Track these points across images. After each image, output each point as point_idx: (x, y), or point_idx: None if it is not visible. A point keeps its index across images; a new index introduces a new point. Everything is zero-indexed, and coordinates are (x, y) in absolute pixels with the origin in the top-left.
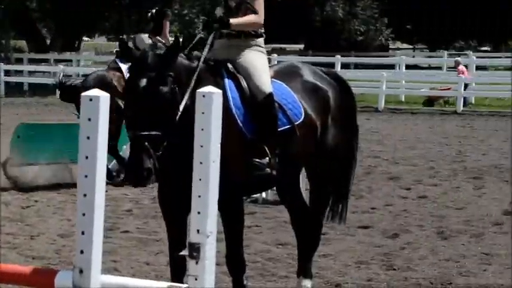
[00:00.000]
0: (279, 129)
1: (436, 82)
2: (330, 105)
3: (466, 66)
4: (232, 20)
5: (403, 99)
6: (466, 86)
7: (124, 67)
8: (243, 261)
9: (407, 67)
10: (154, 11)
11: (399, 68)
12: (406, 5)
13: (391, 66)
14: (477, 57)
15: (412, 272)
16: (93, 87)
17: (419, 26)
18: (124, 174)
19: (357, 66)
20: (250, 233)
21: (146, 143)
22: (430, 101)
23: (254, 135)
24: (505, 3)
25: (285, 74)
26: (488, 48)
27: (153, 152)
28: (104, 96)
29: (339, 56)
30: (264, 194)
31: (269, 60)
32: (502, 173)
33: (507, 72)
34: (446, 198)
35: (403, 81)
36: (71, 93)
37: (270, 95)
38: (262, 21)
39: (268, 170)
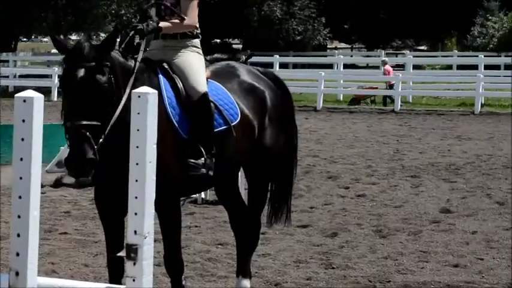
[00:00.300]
0: (215, 130)
1: (373, 81)
2: (267, 105)
3: (402, 65)
4: (163, 24)
5: (341, 99)
6: (391, 86)
7: None
8: (181, 261)
9: (345, 66)
10: None
11: (337, 68)
12: (343, 5)
13: (329, 66)
14: (414, 57)
15: (351, 270)
16: None
17: (357, 26)
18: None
19: (295, 65)
20: (190, 233)
21: (87, 133)
22: (355, 100)
23: (189, 135)
24: (442, 3)
25: (222, 74)
26: (425, 48)
27: (94, 143)
28: (38, 97)
29: (277, 56)
30: (203, 194)
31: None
32: (439, 171)
33: (444, 71)
34: (385, 196)
35: (341, 81)
36: None
37: (205, 95)
38: (195, 23)
39: (204, 170)
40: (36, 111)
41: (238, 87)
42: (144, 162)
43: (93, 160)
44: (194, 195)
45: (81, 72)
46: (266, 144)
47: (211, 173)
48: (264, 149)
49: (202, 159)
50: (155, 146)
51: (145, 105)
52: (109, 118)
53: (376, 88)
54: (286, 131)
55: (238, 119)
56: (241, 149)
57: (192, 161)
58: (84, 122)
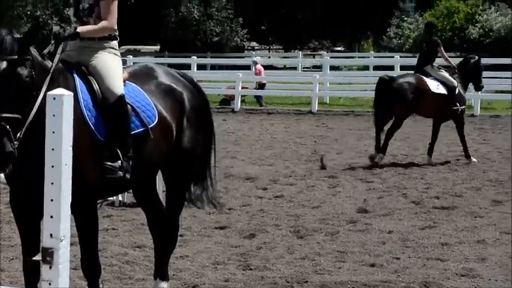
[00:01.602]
0: (132, 132)
1: (292, 82)
2: (185, 107)
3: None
4: (80, 29)
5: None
6: (262, 86)
7: None
8: (98, 264)
9: (263, 67)
10: None
11: (254, 69)
12: (261, 6)
13: (247, 67)
14: (331, 57)
15: (269, 271)
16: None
17: (274, 27)
18: None
19: (213, 67)
20: (107, 236)
21: (7, 126)
22: (226, 100)
23: (106, 138)
24: (358, 4)
25: (139, 76)
26: (342, 48)
27: (13, 136)
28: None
29: (195, 57)
30: (120, 197)
31: (124, 62)
32: (356, 172)
33: (360, 72)
34: (302, 197)
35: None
36: None
37: (122, 97)
38: (114, 26)
39: (120, 173)
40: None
41: (156, 88)
42: (59, 164)
43: (12, 154)
44: (112, 198)
45: (3, 65)
46: (184, 146)
47: (128, 175)
48: (182, 151)
49: (119, 161)
50: (71, 148)
51: (61, 108)
52: (28, 112)
53: (247, 88)
54: (204, 133)
55: (156, 121)
56: (159, 151)
57: (109, 163)
58: (4, 115)
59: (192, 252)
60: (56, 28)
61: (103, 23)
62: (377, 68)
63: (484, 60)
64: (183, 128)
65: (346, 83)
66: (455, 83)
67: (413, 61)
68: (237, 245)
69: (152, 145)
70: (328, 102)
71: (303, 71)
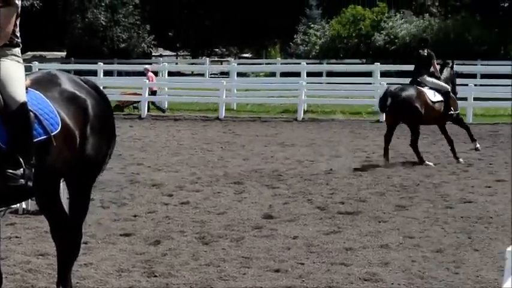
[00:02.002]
0: (34, 140)
1: (199, 88)
2: (89, 114)
3: (227, 73)
4: None
5: (166, 106)
6: (154, 93)
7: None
8: (0, 273)
9: (170, 74)
10: None
11: (162, 75)
12: (168, 12)
13: (154, 73)
14: (238, 64)
15: (174, 278)
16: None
17: (182, 33)
18: None
19: (120, 73)
20: (10, 244)
21: None
22: (119, 107)
23: (7, 145)
24: (265, 11)
25: (42, 83)
26: (250, 55)
27: None
28: None
29: (101, 63)
30: (24, 204)
31: (29, 69)
32: (262, 178)
33: (267, 78)
34: (208, 203)
35: (166, 88)
36: None
37: (24, 104)
38: (8, 35)
39: (22, 181)
40: None
41: (60, 96)
42: None
43: None
44: (15, 206)
45: None
46: (88, 154)
47: (30, 183)
48: (85, 159)
49: (21, 169)
50: None
51: None
52: None
53: (139, 94)
54: (107, 140)
55: (59, 128)
56: (62, 159)
57: (11, 171)
58: None
59: (96, 259)
60: None
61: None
62: (284, 74)
63: (389, 67)
64: (86, 135)
65: (253, 89)
66: (448, 87)
67: (320, 68)
68: (141, 252)
69: (55, 153)
70: (235, 108)
71: (211, 77)
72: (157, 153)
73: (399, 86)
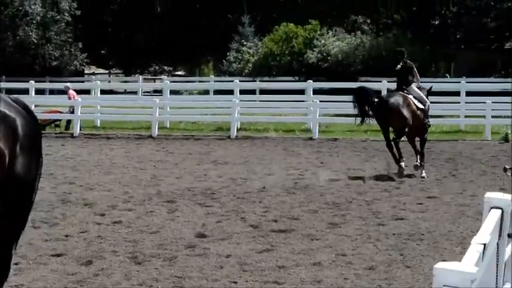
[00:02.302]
0: None
1: (132, 107)
2: (19, 133)
3: (160, 91)
4: None
5: (98, 125)
6: (73, 111)
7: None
8: None
9: (103, 92)
10: None
11: (94, 93)
12: (100, 30)
13: (87, 91)
14: (171, 82)
15: None
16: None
17: (115, 51)
18: None
19: (52, 91)
20: None
21: None
22: (40, 125)
23: None
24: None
25: None
26: (183, 73)
27: None
28: None
29: (33, 82)
30: None
31: None
32: (195, 196)
33: (201, 96)
34: (141, 222)
35: (99, 107)
36: None
37: None
38: None
39: None
40: None
41: None
42: None
43: None
44: None
45: None
46: (17, 173)
47: None
48: (15, 178)
49: None
50: None
51: None
52: None
53: (61, 112)
54: (36, 159)
55: None
56: None
57: None
58: None
59: (27, 280)
60: None
61: None
62: (217, 92)
63: (322, 84)
64: (16, 154)
65: (186, 107)
66: (428, 101)
67: (253, 85)
68: (73, 272)
69: None
70: (168, 126)
71: (144, 95)
72: (90, 172)
73: (386, 93)
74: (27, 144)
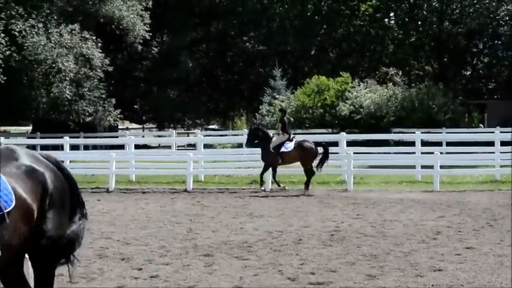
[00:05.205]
0: None
1: (167, 161)
2: (48, 188)
3: (194, 145)
4: None
5: (133, 179)
6: None
7: None
8: None
9: (137, 147)
10: None
11: (128, 148)
12: (132, 85)
13: (121, 146)
14: (205, 136)
15: None
16: None
17: (147, 106)
18: None
19: (86, 147)
20: None
21: None
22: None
23: None
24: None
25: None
26: (216, 126)
27: None
28: None
29: (67, 137)
30: None
31: None
32: (231, 249)
33: (234, 149)
34: (178, 276)
35: (133, 161)
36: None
37: None
38: None
39: None
40: None
41: (17, 170)
42: None
43: None
44: None
45: None
46: (47, 229)
47: None
48: (45, 234)
49: None
50: None
51: None
52: None
53: None
54: (72, 214)
55: (13, 205)
56: (18, 234)
57: None
58: None
59: None
60: None
61: None
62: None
63: (355, 136)
64: (45, 209)
65: (220, 160)
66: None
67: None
68: None
69: (11, 229)
70: (203, 180)
71: (178, 149)
72: (126, 227)
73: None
74: (58, 199)
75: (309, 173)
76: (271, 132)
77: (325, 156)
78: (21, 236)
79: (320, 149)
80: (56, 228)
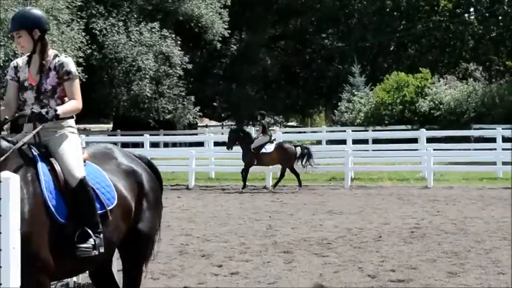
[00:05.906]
0: None
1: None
2: (145, 188)
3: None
4: (60, 111)
5: (213, 176)
6: None
7: None
8: None
9: (216, 144)
10: None
11: (208, 145)
12: (211, 83)
13: (200, 144)
14: (284, 133)
15: None
16: None
17: (226, 104)
18: None
19: (166, 144)
20: None
21: None
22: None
23: (67, 219)
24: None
25: (99, 156)
26: (295, 123)
27: None
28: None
29: (147, 135)
30: (75, 278)
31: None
32: (311, 246)
33: (313, 146)
34: (258, 273)
35: (213, 158)
36: None
37: (83, 180)
38: (81, 105)
39: (95, 252)
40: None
41: (117, 168)
42: (7, 248)
43: None
44: (66, 279)
45: None
46: (142, 227)
47: (102, 249)
48: (139, 232)
49: (91, 240)
50: (19, 231)
51: (7, 191)
52: None
53: None
54: (158, 212)
55: (115, 202)
56: (117, 232)
57: (82, 246)
58: None
59: None
60: (37, 109)
61: (74, 103)
62: (330, 142)
63: (435, 133)
64: (142, 209)
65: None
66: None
67: (365, 135)
68: None
69: (112, 226)
70: None
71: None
72: (206, 224)
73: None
74: (152, 199)
75: (295, 172)
76: (252, 135)
77: (309, 155)
78: (120, 234)
79: (298, 150)
80: (150, 228)
